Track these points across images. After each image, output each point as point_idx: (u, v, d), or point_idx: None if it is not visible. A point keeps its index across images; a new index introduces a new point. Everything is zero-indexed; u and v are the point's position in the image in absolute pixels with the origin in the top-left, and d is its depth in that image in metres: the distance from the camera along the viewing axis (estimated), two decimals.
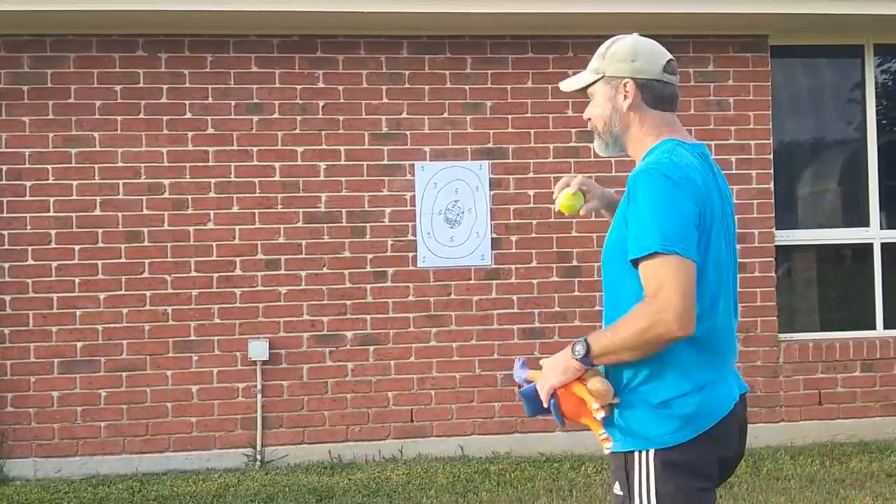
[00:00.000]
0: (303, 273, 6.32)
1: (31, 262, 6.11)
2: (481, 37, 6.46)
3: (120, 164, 6.20)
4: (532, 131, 6.52)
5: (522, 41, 6.51)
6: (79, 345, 6.12)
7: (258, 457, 6.20)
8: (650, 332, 2.19)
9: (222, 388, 6.23)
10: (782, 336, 6.71)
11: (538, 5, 6.11)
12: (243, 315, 6.26)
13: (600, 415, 2.27)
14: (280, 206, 6.32)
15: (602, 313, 2.48)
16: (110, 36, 6.17)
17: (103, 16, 5.93)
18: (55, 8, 5.77)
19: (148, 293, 6.19)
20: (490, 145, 6.49)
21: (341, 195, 6.37)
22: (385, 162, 6.41)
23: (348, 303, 6.35)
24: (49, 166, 6.14)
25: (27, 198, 6.12)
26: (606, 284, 2.43)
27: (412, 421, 6.38)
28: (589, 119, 2.53)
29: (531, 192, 6.51)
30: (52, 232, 6.13)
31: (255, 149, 6.30)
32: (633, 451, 2.31)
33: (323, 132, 6.36)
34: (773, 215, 6.70)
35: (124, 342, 6.16)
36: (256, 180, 6.30)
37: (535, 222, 6.51)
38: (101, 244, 6.16)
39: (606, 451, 2.33)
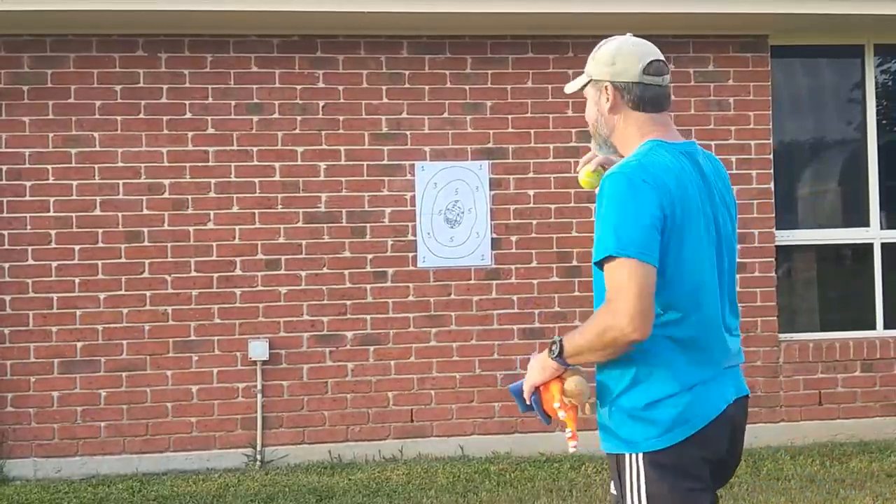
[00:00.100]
0: (303, 273, 6.32)
1: (31, 262, 6.11)
2: (481, 37, 6.46)
3: (120, 164, 6.20)
4: (532, 131, 6.52)
5: (522, 41, 6.51)
6: (79, 345, 6.12)
7: (258, 457, 6.20)
8: (607, 335, 2.23)
9: (222, 388, 6.23)
10: (782, 336, 6.71)
11: (538, 5, 6.11)
12: (243, 315, 6.26)
13: (561, 413, 2.37)
14: (280, 206, 6.32)
15: None
16: (110, 36, 6.17)
17: (103, 16, 5.93)
18: (55, 8, 5.77)
19: (148, 293, 6.19)
20: (490, 145, 6.49)
21: (341, 195, 6.36)
22: (385, 162, 6.41)
23: (348, 303, 6.35)
24: (49, 166, 6.14)
25: (27, 198, 6.12)
26: (594, 284, 2.47)
27: (412, 421, 6.38)
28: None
29: (531, 192, 6.51)
30: (52, 232, 6.13)
31: (255, 149, 6.30)
32: (624, 454, 2.34)
33: (323, 132, 6.36)
34: (774, 215, 6.70)
35: (124, 342, 6.16)
36: (256, 180, 6.30)
37: (535, 222, 6.51)
38: (101, 244, 6.16)
39: (571, 451, 2.43)
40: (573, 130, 6.50)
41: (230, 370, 6.24)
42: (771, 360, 6.65)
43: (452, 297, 6.43)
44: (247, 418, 6.24)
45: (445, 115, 6.47)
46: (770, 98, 6.73)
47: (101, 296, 6.15)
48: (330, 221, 6.35)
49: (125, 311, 6.16)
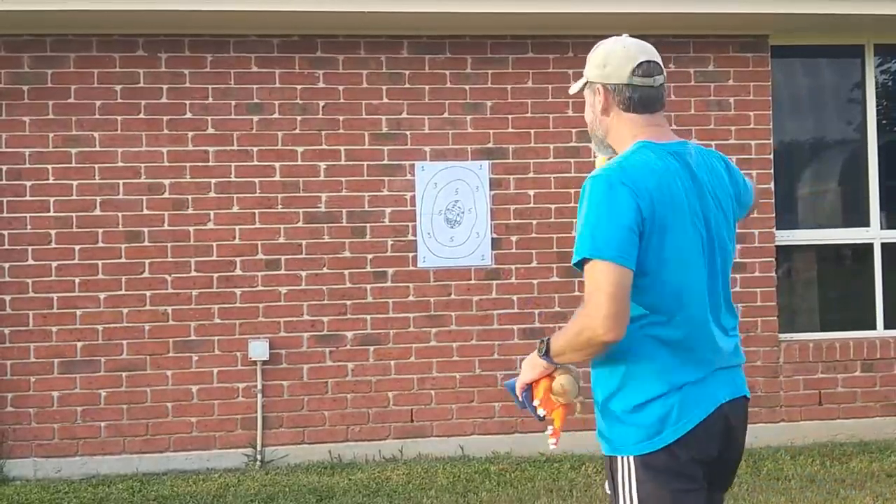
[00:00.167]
0: (303, 273, 6.32)
1: (31, 262, 6.11)
2: (481, 37, 6.46)
3: (120, 164, 6.20)
4: (532, 131, 6.52)
5: (522, 41, 6.51)
6: (79, 345, 6.12)
7: (258, 457, 6.20)
8: (582, 336, 2.27)
9: (222, 388, 6.23)
10: (782, 336, 6.71)
11: (538, 5, 6.11)
12: (243, 315, 6.26)
13: (540, 411, 2.43)
14: (280, 206, 6.32)
15: None
16: (110, 36, 6.17)
17: (103, 16, 5.93)
18: (55, 8, 5.77)
19: (148, 293, 6.19)
20: (490, 145, 6.49)
21: (341, 195, 6.37)
22: (385, 162, 6.41)
23: (348, 303, 6.35)
24: (49, 166, 6.14)
25: (27, 198, 6.12)
26: None
27: (412, 421, 6.38)
28: None
29: (531, 192, 6.51)
30: (52, 232, 6.13)
31: (255, 149, 6.30)
32: (616, 456, 2.37)
33: (323, 132, 6.36)
34: (774, 215, 6.70)
35: (124, 342, 6.16)
36: (256, 180, 6.30)
37: (535, 222, 6.51)
38: (101, 244, 6.16)
39: (551, 447, 2.50)
40: (573, 130, 6.50)
41: (230, 370, 6.24)
42: (771, 360, 6.65)
43: (452, 297, 6.43)
44: (247, 418, 6.24)
45: (445, 115, 6.47)
46: (770, 98, 6.73)
47: (102, 296, 6.15)
48: (330, 221, 6.35)
49: (125, 311, 6.16)
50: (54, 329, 6.11)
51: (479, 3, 6.06)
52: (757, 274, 6.65)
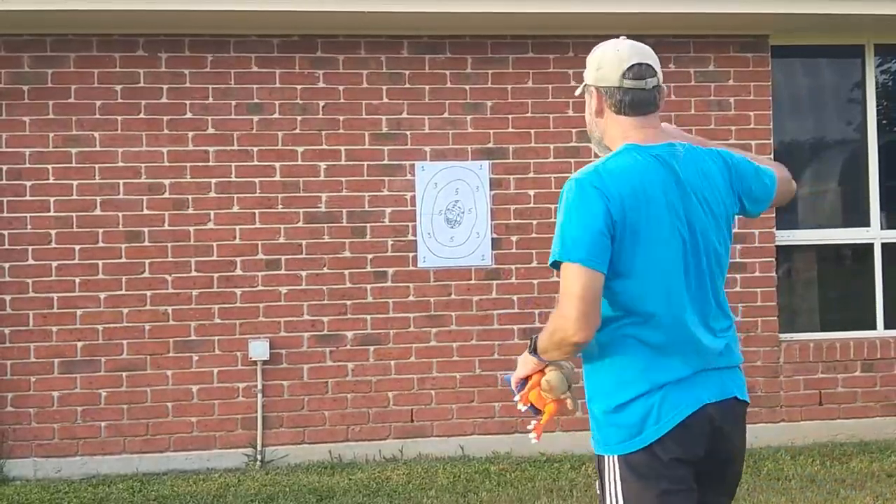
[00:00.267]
0: (303, 273, 6.32)
1: (31, 262, 6.11)
2: (481, 37, 6.46)
3: (120, 164, 6.20)
4: (532, 131, 6.52)
5: (523, 41, 6.51)
6: (79, 345, 6.12)
7: (258, 457, 6.20)
8: (555, 336, 2.33)
9: (223, 388, 6.23)
10: (783, 336, 6.71)
11: (538, 5, 6.11)
12: (244, 315, 6.26)
13: (521, 406, 2.51)
14: (280, 206, 6.32)
15: None
16: (110, 36, 6.17)
17: (103, 16, 5.93)
18: (55, 8, 5.77)
19: (148, 293, 6.19)
20: (490, 145, 6.49)
21: (341, 195, 6.36)
22: (385, 162, 6.41)
23: (348, 303, 6.35)
24: (49, 166, 6.14)
25: (27, 198, 6.12)
26: None
27: (412, 421, 6.38)
28: None
29: (531, 192, 6.51)
30: (53, 232, 6.13)
31: (255, 149, 6.30)
32: (603, 455, 2.40)
33: (323, 132, 6.36)
34: (774, 215, 6.69)
35: (124, 342, 6.16)
36: (257, 180, 6.30)
37: (535, 222, 6.51)
38: (101, 244, 6.16)
39: (532, 442, 2.58)
40: (573, 130, 6.50)
41: (230, 370, 6.24)
42: (771, 360, 6.65)
43: (453, 297, 6.43)
44: (247, 418, 6.24)
45: (446, 115, 6.46)
46: (770, 98, 6.73)
47: (102, 296, 6.15)
48: (330, 221, 6.35)
49: (125, 310, 6.17)
50: (54, 329, 6.11)
51: (479, 3, 6.06)
52: (757, 274, 6.65)
